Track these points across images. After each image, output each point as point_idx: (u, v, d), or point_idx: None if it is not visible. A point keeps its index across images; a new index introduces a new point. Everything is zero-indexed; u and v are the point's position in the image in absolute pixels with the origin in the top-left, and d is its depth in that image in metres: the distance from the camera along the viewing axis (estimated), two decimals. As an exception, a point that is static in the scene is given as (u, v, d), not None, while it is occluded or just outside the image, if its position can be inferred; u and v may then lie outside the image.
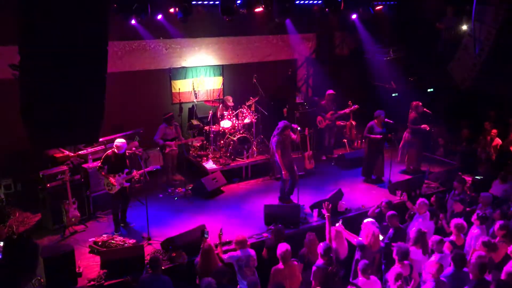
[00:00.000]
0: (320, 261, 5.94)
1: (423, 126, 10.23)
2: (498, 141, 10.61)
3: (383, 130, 9.95)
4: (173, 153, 9.85)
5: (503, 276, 5.50)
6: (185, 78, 11.69)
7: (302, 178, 9.66)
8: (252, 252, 6.41)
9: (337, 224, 6.63)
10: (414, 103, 10.41)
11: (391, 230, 6.86)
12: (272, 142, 8.82)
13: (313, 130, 11.07)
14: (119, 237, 7.63)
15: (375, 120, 9.99)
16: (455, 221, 6.69)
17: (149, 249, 7.37)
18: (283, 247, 6.01)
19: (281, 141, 8.63)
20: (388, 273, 5.52)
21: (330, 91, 11.36)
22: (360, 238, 6.48)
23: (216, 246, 6.64)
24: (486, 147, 10.91)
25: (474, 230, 6.84)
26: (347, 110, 11.47)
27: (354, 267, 6.53)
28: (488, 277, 5.82)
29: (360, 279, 5.63)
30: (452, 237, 6.69)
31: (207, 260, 6.15)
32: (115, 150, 7.83)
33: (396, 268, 5.54)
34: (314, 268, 5.92)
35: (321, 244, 6.05)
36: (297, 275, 6.12)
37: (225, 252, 6.69)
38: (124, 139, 8.19)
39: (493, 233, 6.72)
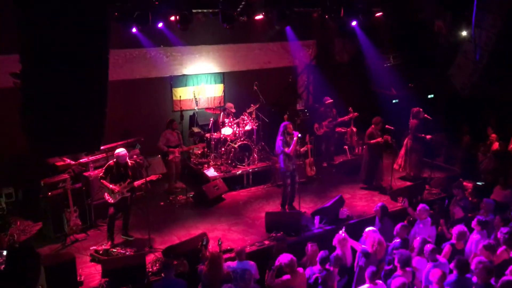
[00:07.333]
0: (316, 267, 5.89)
1: (428, 136, 10.15)
2: (497, 145, 10.56)
3: (383, 136, 9.97)
4: (176, 160, 9.85)
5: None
6: (186, 86, 11.71)
7: (303, 185, 9.62)
8: (251, 265, 6.19)
9: (340, 232, 6.61)
10: (415, 109, 10.37)
11: (398, 241, 6.78)
12: (276, 145, 8.78)
13: (314, 137, 11.06)
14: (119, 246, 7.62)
15: (373, 126, 10.01)
16: (457, 228, 6.64)
17: (151, 258, 7.34)
18: (287, 257, 5.88)
19: (286, 141, 8.60)
20: (391, 281, 5.46)
21: (328, 99, 11.38)
22: (364, 246, 6.46)
23: None
24: (487, 152, 10.85)
25: (475, 236, 6.81)
26: (346, 118, 11.47)
27: (357, 274, 6.51)
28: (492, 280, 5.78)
29: (369, 285, 5.59)
30: (452, 241, 6.67)
31: (215, 268, 5.96)
32: (117, 160, 7.71)
33: (399, 278, 5.47)
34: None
35: (321, 252, 6.03)
36: (304, 283, 6.05)
37: (227, 260, 6.65)
38: (125, 147, 8.16)
39: (495, 237, 6.69)
